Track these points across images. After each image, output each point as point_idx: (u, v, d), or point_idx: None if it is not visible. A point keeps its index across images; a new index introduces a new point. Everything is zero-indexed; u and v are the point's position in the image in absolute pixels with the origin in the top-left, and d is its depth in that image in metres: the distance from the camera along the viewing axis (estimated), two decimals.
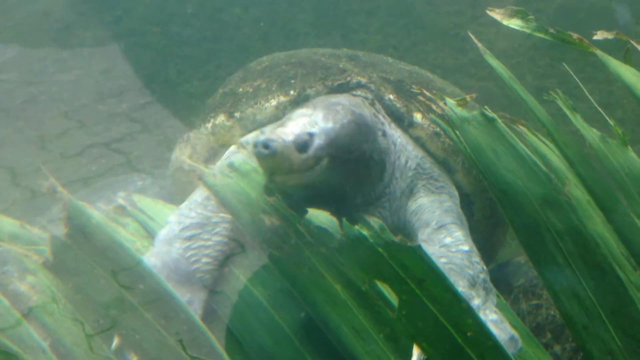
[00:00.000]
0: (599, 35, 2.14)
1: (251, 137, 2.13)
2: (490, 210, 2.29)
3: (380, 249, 1.59)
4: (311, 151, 1.81)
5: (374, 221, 1.77)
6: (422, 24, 4.43)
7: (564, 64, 2.27)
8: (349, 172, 1.94)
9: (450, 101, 2.01)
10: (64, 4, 4.96)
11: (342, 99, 2.01)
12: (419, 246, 1.60)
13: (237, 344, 1.75)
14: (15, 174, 3.69)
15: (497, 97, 3.78)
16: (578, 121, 2.01)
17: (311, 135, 1.81)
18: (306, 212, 1.72)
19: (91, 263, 1.67)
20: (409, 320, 1.59)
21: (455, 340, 1.58)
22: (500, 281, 2.36)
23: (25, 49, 4.75)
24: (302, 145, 1.79)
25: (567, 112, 2.01)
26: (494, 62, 2.09)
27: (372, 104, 2.10)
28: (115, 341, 1.66)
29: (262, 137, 1.73)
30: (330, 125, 1.86)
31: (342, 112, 1.91)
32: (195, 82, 4.37)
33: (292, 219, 1.68)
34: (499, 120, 1.96)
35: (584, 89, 2.11)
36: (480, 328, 1.58)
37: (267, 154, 1.72)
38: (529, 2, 4.33)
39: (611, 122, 2.00)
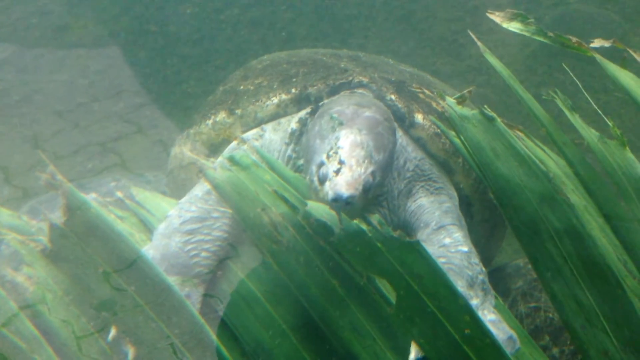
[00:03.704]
0: (596, 43, 2.15)
1: (252, 134, 2.13)
2: (489, 213, 2.28)
3: (378, 244, 1.59)
4: (373, 189, 1.84)
5: (374, 217, 1.76)
6: (421, 30, 4.44)
7: (564, 65, 2.28)
8: None
9: (450, 99, 2.01)
10: (61, 3, 4.95)
11: (374, 110, 1.96)
12: (418, 241, 1.60)
13: (233, 338, 1.73)
14: (9, 172, 3.68)
15: (494, 104, 3.78)
16: (577, 121, 2.02)
17: (373, 174, 1.82)
18: (306, 204, 1.71)
19: (90, 252, 1.66)
20: (406, 316, 1.59)
21: (452, 337, 1.58)
22: (499, 284, 2.35)
23: (21, 48, 4.74)
24: (368, 188, 1.80)
25: (566, 112, 2.02)
26: (493, 60, 2.10)
27: None
28: (112, 332, 1.65)
29: (345, 194, 1.71)
30: (381, 156, 1.87)
31: (386, 135, 1.92)
32: (193, 83, 4.36)
33: (291, 211, 1.68)
34: (498, 120, 1.96)
35: (586, 94, 2.12)
36: (478, 325, 1.58)
37: (349, 207, 1.72)
38: (528, 10, 4.36)
39: (610, 123, 2.00)
